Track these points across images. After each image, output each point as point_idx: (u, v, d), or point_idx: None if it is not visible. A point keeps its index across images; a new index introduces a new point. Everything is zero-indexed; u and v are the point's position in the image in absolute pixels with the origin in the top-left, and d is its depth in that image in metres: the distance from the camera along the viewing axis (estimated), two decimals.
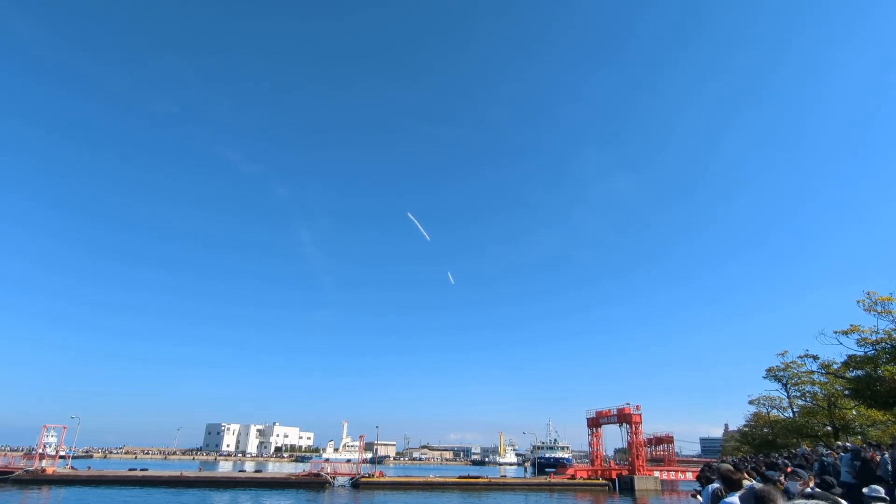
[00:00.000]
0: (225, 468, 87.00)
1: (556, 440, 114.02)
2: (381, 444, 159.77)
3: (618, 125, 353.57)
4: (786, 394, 50.25)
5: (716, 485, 6.09)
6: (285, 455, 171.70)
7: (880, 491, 5.59)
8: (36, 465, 51.88)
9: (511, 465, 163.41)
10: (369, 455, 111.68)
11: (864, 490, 5.78)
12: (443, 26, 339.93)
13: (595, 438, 68.88)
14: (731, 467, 9.01)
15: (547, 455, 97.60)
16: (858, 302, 30.86)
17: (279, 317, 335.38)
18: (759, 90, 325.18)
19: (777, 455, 21.81)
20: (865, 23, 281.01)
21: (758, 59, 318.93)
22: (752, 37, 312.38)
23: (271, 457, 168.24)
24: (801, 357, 44.81)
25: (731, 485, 5.71)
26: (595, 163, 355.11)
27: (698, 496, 11.68)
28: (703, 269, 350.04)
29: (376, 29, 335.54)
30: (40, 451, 57.21)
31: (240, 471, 67.29)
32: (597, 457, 68.37)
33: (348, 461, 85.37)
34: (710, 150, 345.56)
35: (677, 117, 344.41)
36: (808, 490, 5.83)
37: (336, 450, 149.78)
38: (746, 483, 7.08)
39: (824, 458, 13.38)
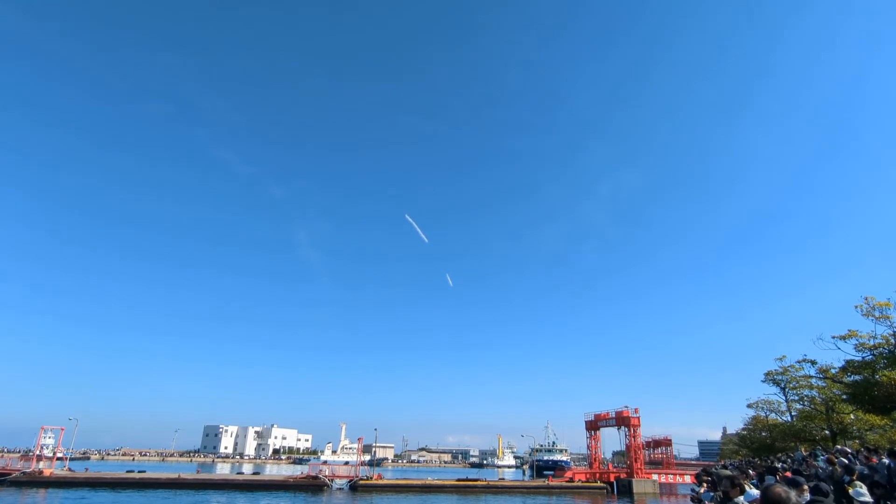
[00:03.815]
0: (223, 470, 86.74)
1: (554, 443, 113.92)
2: (379, 447, 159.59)
3: (623, 117, 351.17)
4: (784, 398, 50.37)
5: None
6: (283, 457, 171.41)
7: (864, 494, 5.67)
8: (33, 466, 51.68)
9: (509, 467, 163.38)
10: (367, 457, 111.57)
11: (850, 492, 5.86)
12: (443, 19, 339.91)
13: (593, 441, 68.91)
14: (729, 472, 9.08)
15: (545, 458, 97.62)
16: (856, 307, 31.05)
17: (277, 318, 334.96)
18: (761, 84, 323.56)
19: (773, 459, 21.87)
20: (869, 13, 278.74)
21: (759, 49, 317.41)
22: (755, 25, 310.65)
23: (269, 459, 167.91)
24: (799, 361, 45.05)
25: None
26: (599, 157, 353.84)
27: (701, 490, 11.78)
28: (702, 273, 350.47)
29: (374, 25, 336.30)
30: (38, 452, 57.11)
31: (237, 473, 67.07)
32: (595, 460, 68.42)
33: (346, 463, 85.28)
34: (713, 148, 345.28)
35: (681, 109, 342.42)
36: (809, 496, 5.88)
37: (334, 452, 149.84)
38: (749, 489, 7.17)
39: (819, 464, 13.41)
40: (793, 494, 3.61)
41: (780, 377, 48.44)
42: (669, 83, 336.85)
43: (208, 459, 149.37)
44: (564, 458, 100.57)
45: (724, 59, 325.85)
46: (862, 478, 8.94)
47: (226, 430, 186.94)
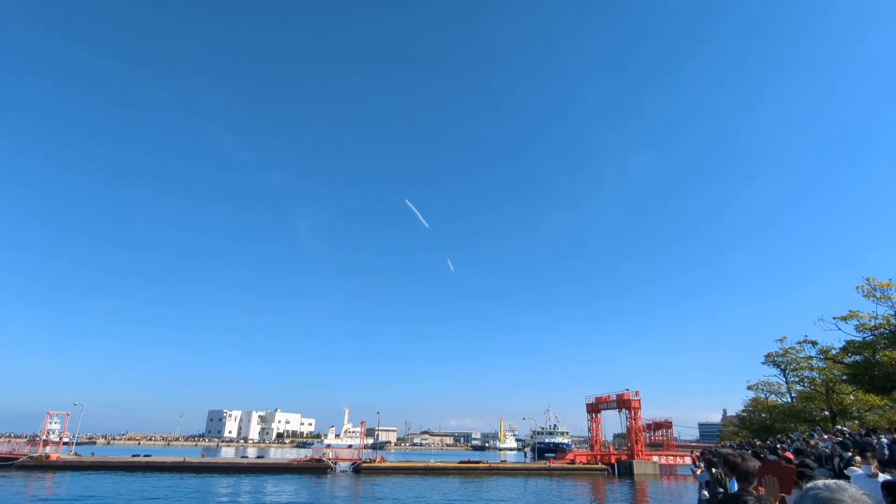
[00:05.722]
0: (227, 454, 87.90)
1: (555, 426, 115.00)
2: (382, 430, 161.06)
3: (638, 104, 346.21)
4: (784, 379, 50.55)
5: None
6: (287, 441, 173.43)
7: (857, 469, 5.63)
8: (40, 451, 52.32)
9: (511, 450, 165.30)
10: (370, 441, 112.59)
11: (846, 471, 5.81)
12: (450, 9, 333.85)
13: (594, 424, 69.37)
14: (730, 451, 9.06)
15: (546, 440, 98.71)
16: (858, 288, 30.96)
17: (280, 304, 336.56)
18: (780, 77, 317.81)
19: (773, 440, 21.96)
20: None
21: (786, 36, 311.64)
22: (781, 16, 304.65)
23: (273, 443, 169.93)
24: (799, 343, 45.12)
25: (734, 469, 5.68)
26: (613, 145, 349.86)
27: (698, 470, 11.85)
28: (704, 257, 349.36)
29: (380, 16, 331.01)
30: (44, 437, 57.61)
31: (242, 457, 67.97)
32: (596, 442, 68.97)
33: (350, 447, 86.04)
34: (723, 141, 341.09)
35: (699, 97, 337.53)
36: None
37: (337, 436, 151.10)
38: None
39: (821, 445, 13.40)
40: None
41: (780, 359, 48.55)
42: (697, 65, 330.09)
43: (213, 443, 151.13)
44: (566, 441, 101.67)
45: (754, 39, 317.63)
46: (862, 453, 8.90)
47: (230, 415, 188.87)
